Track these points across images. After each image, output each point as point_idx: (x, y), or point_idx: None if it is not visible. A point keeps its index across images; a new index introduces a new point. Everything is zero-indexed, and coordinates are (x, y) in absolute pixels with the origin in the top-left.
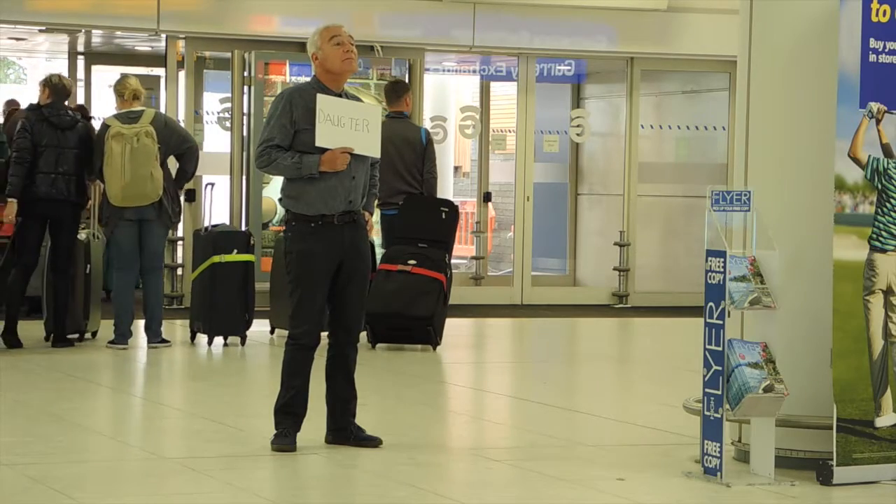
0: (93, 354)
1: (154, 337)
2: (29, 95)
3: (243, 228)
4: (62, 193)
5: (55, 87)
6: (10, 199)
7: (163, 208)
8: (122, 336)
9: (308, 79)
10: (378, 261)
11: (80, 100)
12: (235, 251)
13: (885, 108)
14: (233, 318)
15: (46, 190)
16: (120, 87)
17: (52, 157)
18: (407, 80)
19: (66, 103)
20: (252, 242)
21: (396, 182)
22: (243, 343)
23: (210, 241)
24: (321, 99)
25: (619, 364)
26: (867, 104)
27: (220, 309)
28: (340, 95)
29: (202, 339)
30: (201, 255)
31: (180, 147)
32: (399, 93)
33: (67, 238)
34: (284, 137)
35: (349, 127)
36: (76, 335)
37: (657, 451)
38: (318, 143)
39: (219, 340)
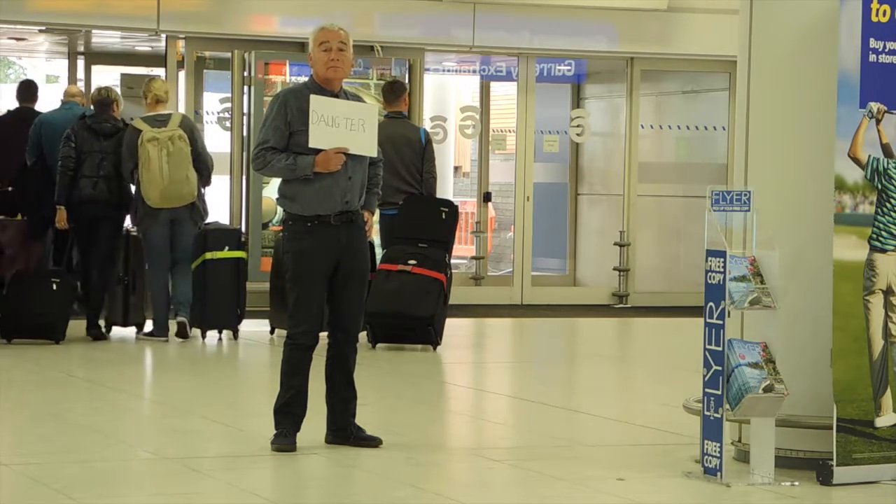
0: (93, 353)
1: (160, 330)
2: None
3: (243, 227)
4: (103, 194)
5: (95, 99)
6: (58, 207)
7: (195, 208)
8: (162, 329)
9: (307, 79)
10: (378, 261)
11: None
12: (227, 248)
13: (885, 108)
14: (225, 312)
15: (90, 192)
16: (144, 90)
17: (95, 161)
18: (407, 80)
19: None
20: (243, 239)
21: (396, 182)
22: (236, 337)
23: (202, 238)
24: (314, 100)
25: (619, 364)
26: (867, 104)
27: (213, 304)
28: (337, 96)
29: (196, 333)
30: (194, 251)
31: (195, 160)
32: (397, 93)
33: (106, 237)
34: (279, 139)
35: (344, 127)
36: (134, 326)
37: (657, 451)
38: (312, 143)
39: (212, 335)
